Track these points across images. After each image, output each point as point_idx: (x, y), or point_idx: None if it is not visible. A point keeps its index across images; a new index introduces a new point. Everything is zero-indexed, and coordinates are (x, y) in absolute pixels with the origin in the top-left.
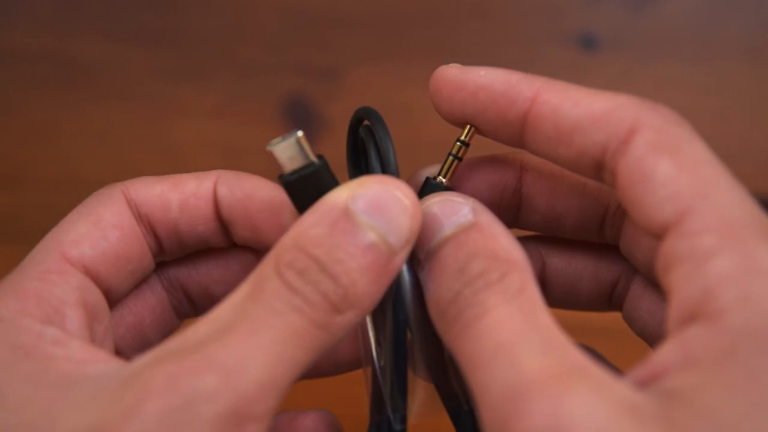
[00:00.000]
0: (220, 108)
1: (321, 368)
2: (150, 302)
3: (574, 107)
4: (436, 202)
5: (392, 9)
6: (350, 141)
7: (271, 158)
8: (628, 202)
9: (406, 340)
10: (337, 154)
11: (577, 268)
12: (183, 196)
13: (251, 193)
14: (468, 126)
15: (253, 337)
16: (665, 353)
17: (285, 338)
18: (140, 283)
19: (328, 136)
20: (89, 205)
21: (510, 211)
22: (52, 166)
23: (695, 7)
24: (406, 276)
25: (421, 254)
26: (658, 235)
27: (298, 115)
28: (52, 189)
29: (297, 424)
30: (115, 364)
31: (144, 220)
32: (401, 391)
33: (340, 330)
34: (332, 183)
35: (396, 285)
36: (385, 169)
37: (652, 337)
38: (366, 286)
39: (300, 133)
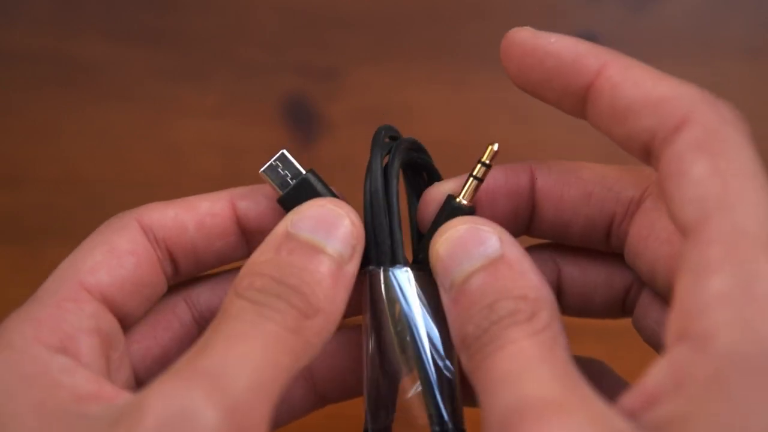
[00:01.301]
0: (220, 108)
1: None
2: (178, 334)
3: (633, 87)
4: (464, 228)
5: (392, 9)
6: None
7: (266, 182)
8: (663, 193)
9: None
10: (338, 154)
11: (591, 276)
12: (198, 216)
13: (271, 203)
14: (489, 147)
15: (231, 348)
16: (658, 375)
17: (263, 344)
18: (168, 314)
19: (328, 136)
20: (103, 233)
21: (524, 219)
22: (52, 166)
23: (695, 7)
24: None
25: (445, 281)
26: (683, 235)
27: (298, 115)
28: (52, 189)
29: None
30: (120, 399)
31: (161, 244)
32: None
33: (315, 336)
34: (323, 190)
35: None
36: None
37: (658, 346)
38: (324, 291)
39: (284, 150)
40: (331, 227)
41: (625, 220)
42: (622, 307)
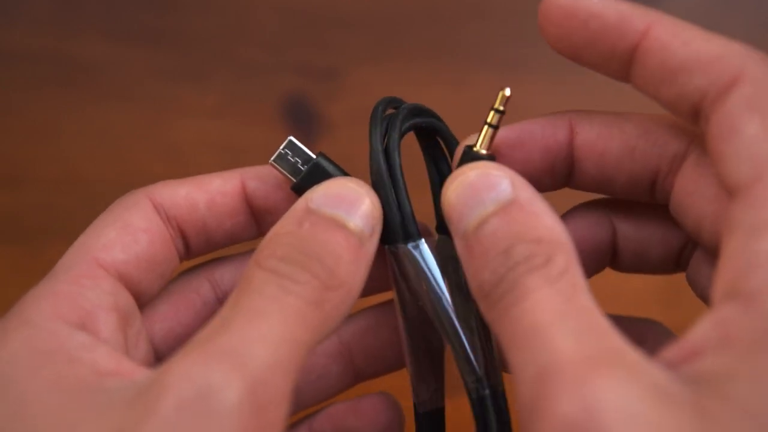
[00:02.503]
0: (220, 108)
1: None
2: (201, 314)
3: (683, 47)
4: (474, 174)
5: (392, 9)
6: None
7: (277, 171)
8: (712, 152)
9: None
10: (338, 154)
11: (647, 233)
12: (209, 195)
13: (280, 182)
14: (501, 92)
15: (251, 324)
16: (703, 331)
17: (282, 320)
18: (191, 293)
19: (328, 136)
20: (115, 212)
21: (562, 174)
22: (52, 166)
23: (695, 7)
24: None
25: (458, 228)
26: (732, 194)
27: (298, 115)
28: (52, 189)
29: (360, 409)
30: (139, 375)
31: (172, 222)
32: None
33: (336, 310)
34: (335, 171)
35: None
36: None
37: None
38: (348, 265)
39: (291, 138)
40: (352, 204)
41: (670, 176)
42: (677, 262)
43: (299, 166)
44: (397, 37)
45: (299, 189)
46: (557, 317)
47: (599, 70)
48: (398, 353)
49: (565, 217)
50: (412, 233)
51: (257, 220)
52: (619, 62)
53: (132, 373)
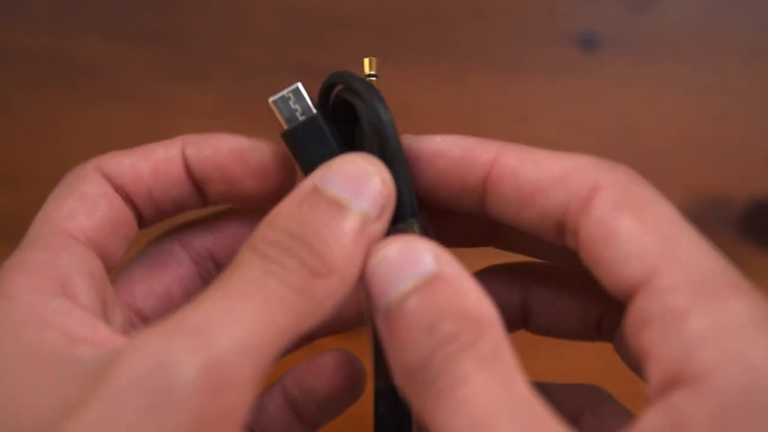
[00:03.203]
0: (220, 108)
1: (329, 326)
2: (177, 272)
3: (534, 168)
4: (396, 248)
5: (392, 9)
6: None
7: (274, 112)
8: (592, 262)
9: None
10: None
11: (561, 297)
12: (153, 163)
13: (217, 146)
14: (368, 60)
15: (227, 302)
16: (653, 420)
17: (261, 302)
18: (164, 255)
19: None
20: (68, 184)
21: (476, 193)
22: (52, 166)
23: (695, 8)
24: None
25: (379, 305)
26: (626, 295)
27: None
28: (52, 189)
29: (317, 366)
30: (114, 343)
31: (120, 191)
32: None
33: (325, 297)
34: (330, 135)
35: None
36: (386, 147)
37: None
38: (343, 250)
39: (299, 84)
40: (360, 184)
41: (579, 215)
42: (597, 330)
43: (297, 115)
44: (397, 37)
45: (289, 138)
46: (498, 410)
47: (455, 207)
48: (337, 400)
49: (477, 275)
50: (416, 209)
51: (198, 188)
52: (472, 195)
53: (107, 341)
